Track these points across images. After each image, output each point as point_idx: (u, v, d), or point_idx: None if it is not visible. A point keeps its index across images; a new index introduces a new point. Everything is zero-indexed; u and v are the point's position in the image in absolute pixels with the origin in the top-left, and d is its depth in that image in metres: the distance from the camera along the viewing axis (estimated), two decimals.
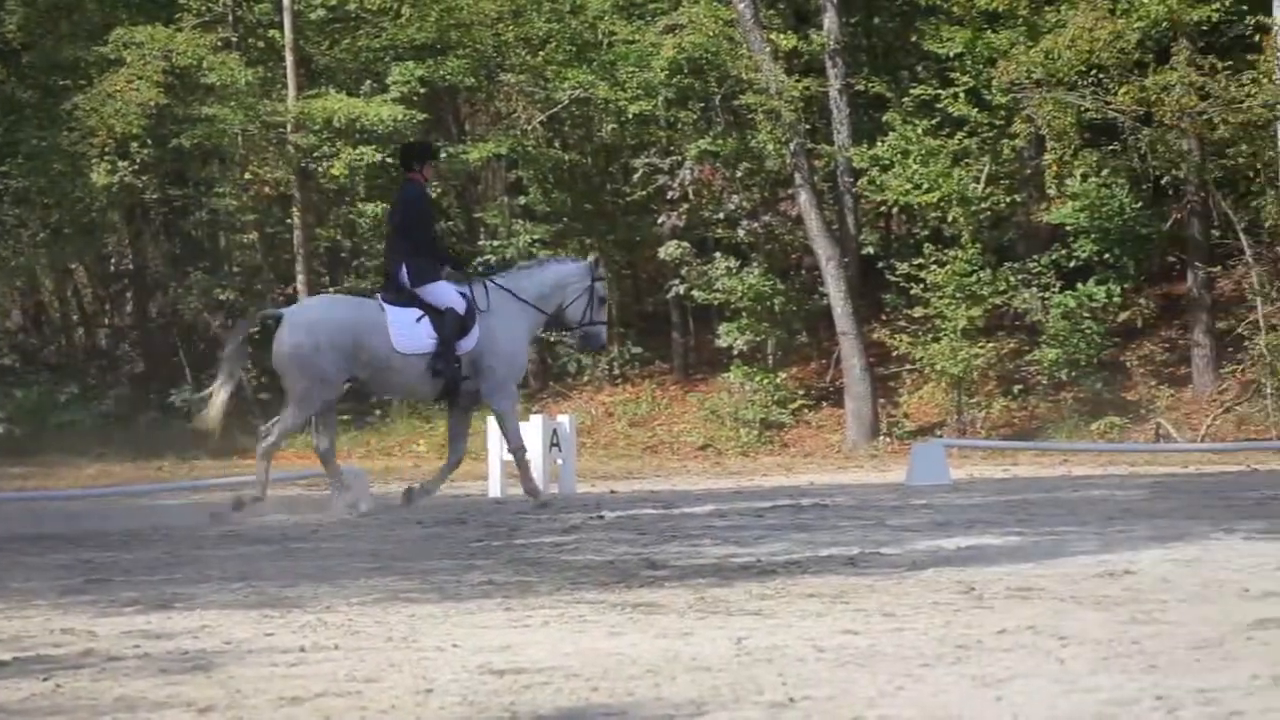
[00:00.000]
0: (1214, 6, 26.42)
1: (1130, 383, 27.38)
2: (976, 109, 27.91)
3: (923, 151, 27.76)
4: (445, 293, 15.74)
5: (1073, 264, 27.69)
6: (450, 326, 15.60)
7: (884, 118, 29.01)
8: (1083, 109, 26.71)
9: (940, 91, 28.25)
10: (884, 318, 29.26)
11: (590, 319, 16.43)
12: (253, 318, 17.52)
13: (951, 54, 28.18)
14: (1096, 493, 15.23)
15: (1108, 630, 6.66)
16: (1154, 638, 6.45)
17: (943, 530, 11.35)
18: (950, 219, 27.93)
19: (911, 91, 28.79)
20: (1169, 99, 25.54)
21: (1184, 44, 26.49)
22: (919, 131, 27.92)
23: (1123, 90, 25.93)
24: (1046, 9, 27.66)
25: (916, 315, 27.67)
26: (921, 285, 27.56)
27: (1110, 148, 27.69)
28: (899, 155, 28.08)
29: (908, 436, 26.70)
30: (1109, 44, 25.99)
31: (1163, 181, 28.26)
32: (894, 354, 28.21)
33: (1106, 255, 27.33)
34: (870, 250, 30.26)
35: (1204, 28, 27.09)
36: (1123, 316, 27.57)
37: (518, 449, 16.04)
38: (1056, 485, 17.05)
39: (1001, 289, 27.48)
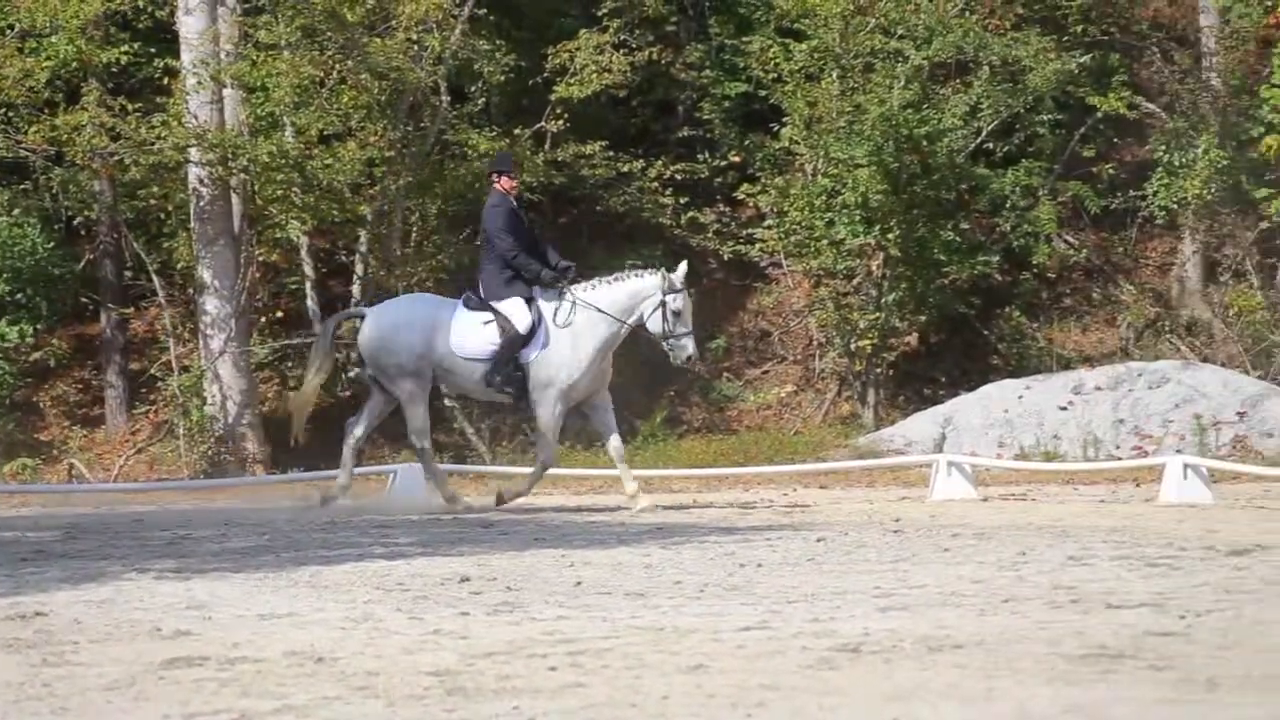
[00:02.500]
0: (123, 49, 26.71)
1: (44, 423, 27.19)
2: None
3: None
4: (514, 310, 16.25)
5: None
6: (506, 347, 16.15)
7: None
8: None
9: None
10: None
11: (668, 332, 16.48)
12: (340, 316, 19.28)
13: None
14: (9, 534, 14.96)
15: (20, 673, 6.60)
16: (66, 679, 6.44)
17: None
18: None
19: None
20: (80, 139, 25.51)
21: (95, 85, 26.60)
22: None
23: (33, 129, 25.75)
24: None
25: None
26: None
27: (22, 186, 27.40)
28: None
29: None
30: (19, 82, 25.79)
31: (75, 222, 28.18)
32: None
33: (19, 295, 27.01)
34: None
35: (114, 69, 27.31)
36: (35, 356, 27.33)
37: (545, 463, 16.78)
38: None
39: None
